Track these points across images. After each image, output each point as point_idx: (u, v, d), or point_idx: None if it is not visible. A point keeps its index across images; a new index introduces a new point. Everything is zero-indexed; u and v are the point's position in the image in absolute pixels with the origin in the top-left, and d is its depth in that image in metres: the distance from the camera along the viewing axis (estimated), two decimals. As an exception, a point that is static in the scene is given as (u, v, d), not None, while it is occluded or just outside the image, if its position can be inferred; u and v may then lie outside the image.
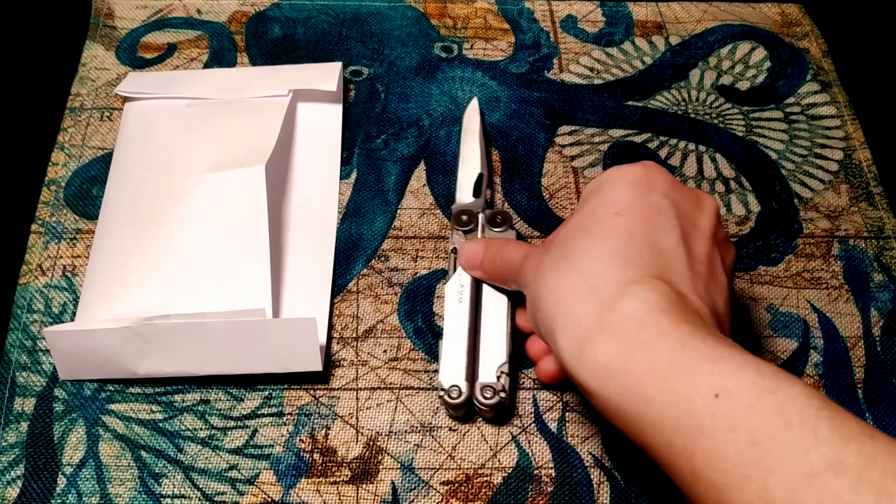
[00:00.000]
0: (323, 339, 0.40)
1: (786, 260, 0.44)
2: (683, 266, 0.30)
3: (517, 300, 0.39)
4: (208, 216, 0.41)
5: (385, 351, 0.40)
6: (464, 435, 0.38)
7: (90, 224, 0.43)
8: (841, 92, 0.52)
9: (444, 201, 0.46)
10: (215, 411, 0.38)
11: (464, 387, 0.37)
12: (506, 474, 0.37)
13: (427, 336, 0.41)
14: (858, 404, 0.40)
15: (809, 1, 0.57)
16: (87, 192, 0.45)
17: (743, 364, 0.26)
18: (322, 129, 0.48)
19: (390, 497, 0.36)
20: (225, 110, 0.46)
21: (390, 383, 0.39)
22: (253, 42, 0.52)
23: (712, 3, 0.56)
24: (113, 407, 0.38)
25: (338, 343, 0.40)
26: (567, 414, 0.39)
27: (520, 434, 0.38)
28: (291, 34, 0.53)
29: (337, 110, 0.49)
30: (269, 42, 0.52)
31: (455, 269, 0.40)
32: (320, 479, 0.37)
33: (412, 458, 0.37)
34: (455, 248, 0.41)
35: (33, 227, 0.43)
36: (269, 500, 0.36)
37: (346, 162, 0.47)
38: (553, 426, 0.38)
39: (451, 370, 0.37)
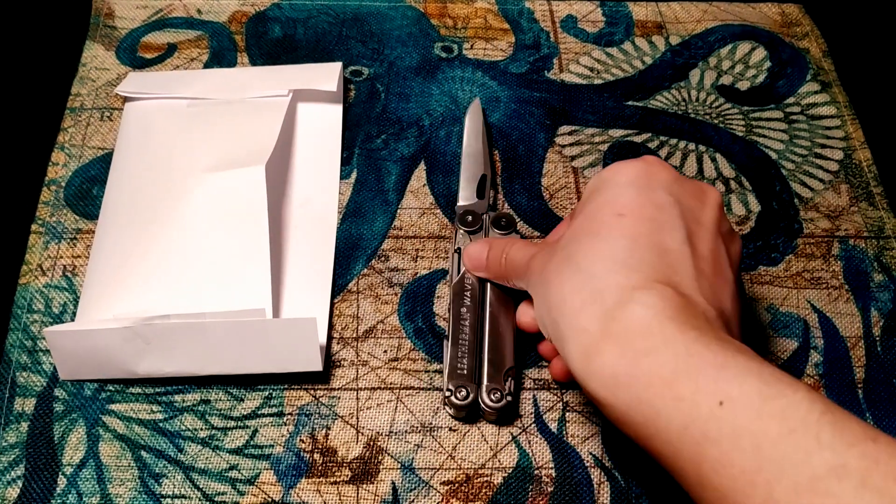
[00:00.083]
0: (323, 339, 0.40)
1: (786, 260, 0.44)
2: (689, 266, 0.30)
3: (520, 300, 0.39)
4: (208, 216, 0.41)
5: (385, 351, 0.40)
6: (464, 435, 0.38)
7: (90, 224, 0.43)
8: (841, 92, 0.52)
9: (445, 201, 0.46)
10: (215, 411, 0.38)
11: (470, 388, 0.37)
12: (506, 474, 0.37)
13: (427, 336, 0.41)
14: (859, 404, 0.40)
15: (809, 1, 0.57)
16: (87, 192, 0.45)
17: (747, 370, 0.26)
18: (322, 129, 0.48)
19: (390, 497, 0.36)
20: (225, 110, 0.46)
21: (390, 383, 0.39)
22: (253, 42, 0.52)
23: (712, 3, 0.56)
24: (113, 407, 0.38)
25: (338, 343, 0.40)
26: (567, 414, 0.39)
27: (520, 434, 0.38)
28: (291, 34, 0.53)
29: (337, 110, 0.49)
30: (269, 42, 0.52)
31: (459, 270, 0.40)
32: (321, 480, 0.37)
33: (412, 459, 0.37)
34: (459, 249, 0.41)
35: (33, 227, 0.43)
36: (270, 500, 0.36)
37: (346, 162, 0.47)
38: (553, 426, 0.38)
39: (457, 371, 0.37)
